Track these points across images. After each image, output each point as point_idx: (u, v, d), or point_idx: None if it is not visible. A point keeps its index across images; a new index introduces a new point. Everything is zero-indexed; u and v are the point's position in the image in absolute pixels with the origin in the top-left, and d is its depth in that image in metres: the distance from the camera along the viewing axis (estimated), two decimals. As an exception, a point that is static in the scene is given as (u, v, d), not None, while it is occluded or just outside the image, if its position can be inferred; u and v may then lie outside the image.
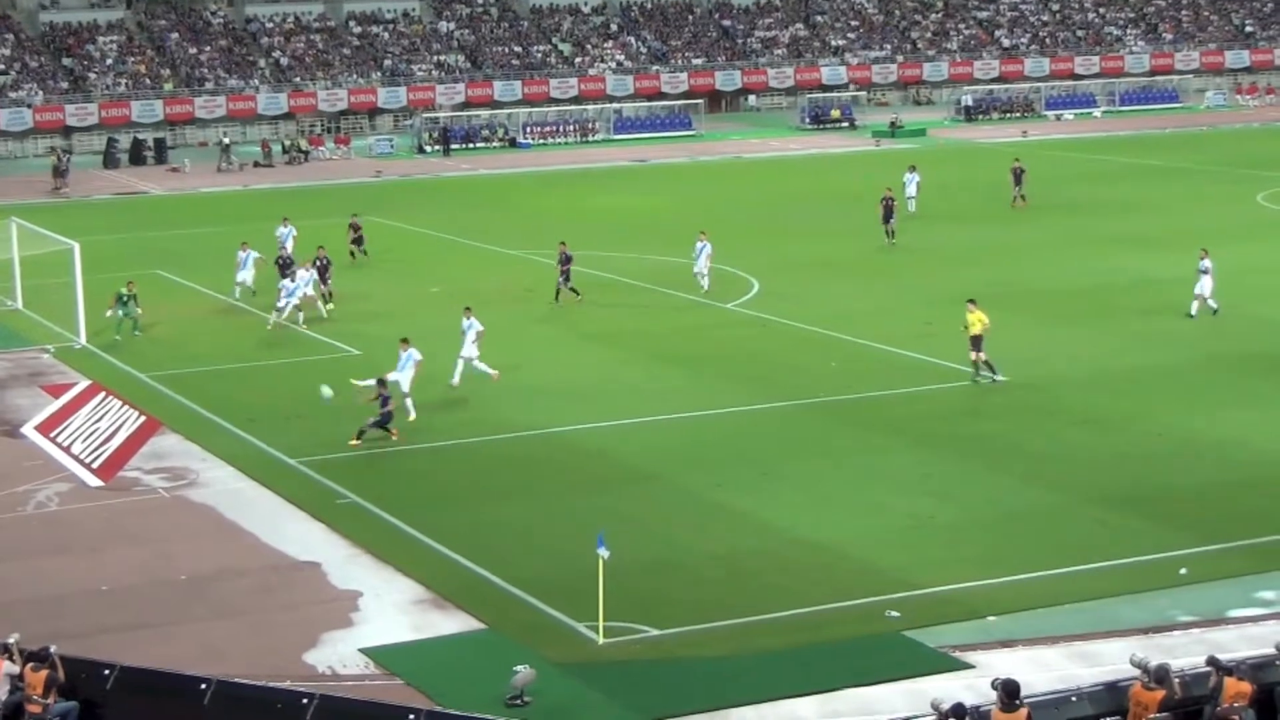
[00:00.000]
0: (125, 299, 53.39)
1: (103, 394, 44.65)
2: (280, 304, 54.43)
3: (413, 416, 43.08)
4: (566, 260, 57.78)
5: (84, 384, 46.53)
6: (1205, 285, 53.18)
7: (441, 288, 60.89)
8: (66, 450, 41.36)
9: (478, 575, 32.40)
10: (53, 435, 42.63)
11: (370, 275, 63.83)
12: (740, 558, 33.23)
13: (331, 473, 38.99)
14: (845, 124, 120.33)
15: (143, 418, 42.10)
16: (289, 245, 61.23)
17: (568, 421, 43.00)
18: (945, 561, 32.64)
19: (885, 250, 67.47)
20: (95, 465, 39.87)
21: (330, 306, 56.66)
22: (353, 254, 65.56)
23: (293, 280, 55.04)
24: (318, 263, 56.96)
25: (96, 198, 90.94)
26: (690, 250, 59.62)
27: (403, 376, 43.27)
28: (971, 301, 46.13)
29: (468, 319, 46.24)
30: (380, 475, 39.15)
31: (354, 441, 40.84)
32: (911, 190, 75.96)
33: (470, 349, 46.11)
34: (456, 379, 46.19)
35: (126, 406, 42.97)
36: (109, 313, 52.99)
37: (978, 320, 45.42)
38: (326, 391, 42.29)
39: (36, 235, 58.36)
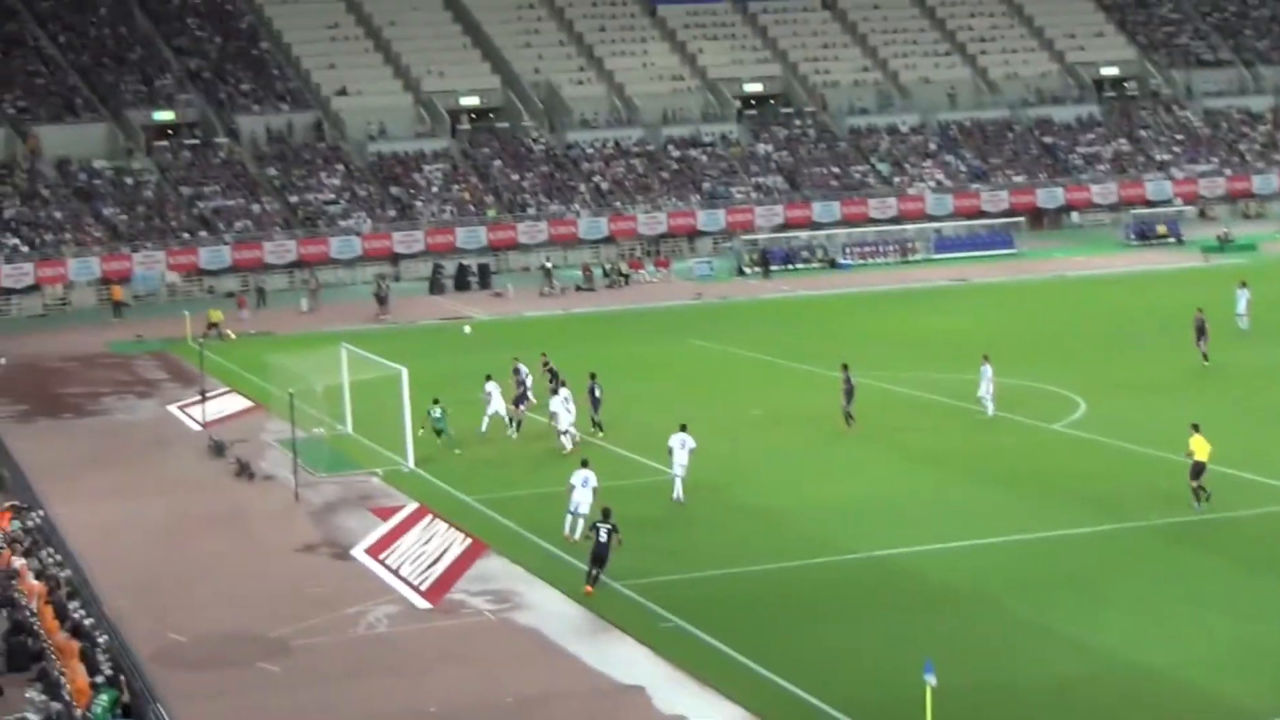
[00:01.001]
0: (438, 415, 55.00)
1: (430, 516, 45.32)
2: (564, 427, 55.26)
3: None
4: (848, 383, 57.30)
5: (412, 506, 47.29)
6: None
7: (762, 410, 60.85)
8: (395, 572, 42.07)
9: (801, 699, 32.18)
10: (382, 557, 43.40)
11: (689, 399, 63.64)
12: (1069, 684, 32.54)
13: (653, 595, 39.06)
14: (1172, 239, 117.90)
15: (469, 540, 42.63)
16: (529, 381, 61.31)
17: (888, 544, 42.64)
18: (1285, 690, 31.62)
19: (1211, 369, 65.84)
20: (423, 587, 40.46)
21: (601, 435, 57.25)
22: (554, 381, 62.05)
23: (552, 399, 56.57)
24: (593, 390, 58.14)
25: (421, 323, 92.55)
26: (976, 373, 58.63)
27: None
28: (1195, 427, 44.89)
29: (681, 436, 48.08)
30: (702, 598, 39.09)
31: (589, 589, 39.68)
32: (1242, 307, 74.08)
33: (681, 465, 47.90)
34: (678, 494, 48.00)
35: (452, 529, 43.56)
36: (421, 431, 54.69)
37: (1200, 447, 44.19)
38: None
39: (365, 361, 59.61)
